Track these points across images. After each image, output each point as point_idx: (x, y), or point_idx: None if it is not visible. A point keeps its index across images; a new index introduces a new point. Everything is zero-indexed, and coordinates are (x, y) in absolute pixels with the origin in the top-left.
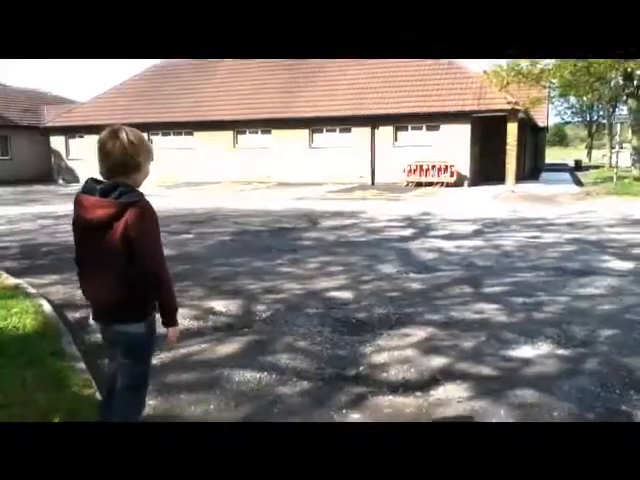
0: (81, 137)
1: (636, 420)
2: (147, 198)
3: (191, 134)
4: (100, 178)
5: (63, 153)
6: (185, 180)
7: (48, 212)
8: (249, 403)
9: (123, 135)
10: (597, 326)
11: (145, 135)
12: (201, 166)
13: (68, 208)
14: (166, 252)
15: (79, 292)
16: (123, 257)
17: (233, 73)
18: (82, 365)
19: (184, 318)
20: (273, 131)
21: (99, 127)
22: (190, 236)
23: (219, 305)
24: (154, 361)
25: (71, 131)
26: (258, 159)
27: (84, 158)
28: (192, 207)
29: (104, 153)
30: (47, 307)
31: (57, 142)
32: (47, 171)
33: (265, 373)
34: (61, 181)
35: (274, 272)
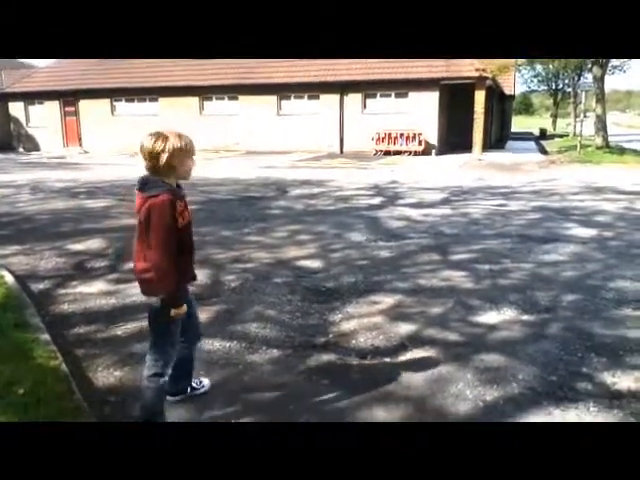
0: (41, 103)
1: (596, 381)
2: (118, 167)
3: (156, 100)
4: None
5: (23, 120)
6: None
7: (8, 182)
8: (219, 371)
9: (146, 142)
10: (560, 292)
11: (108, 101)
12: None
13: (28, 177)
14: (131, 222)
15: (42, 262)
16: (145, 240)
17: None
18: (47, 336)
19: None
20: (240, 97)
21: (60, 93)
22: None
23: None
24: (119, 332)
25: (30, 97)
26: (226, 126)
27: (45, 125)
28: None
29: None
30: (9, 278)
31: (16, 108)
32: (6, 139)
33: (235, 342)
34: (21, 149)
35: (242, 241)
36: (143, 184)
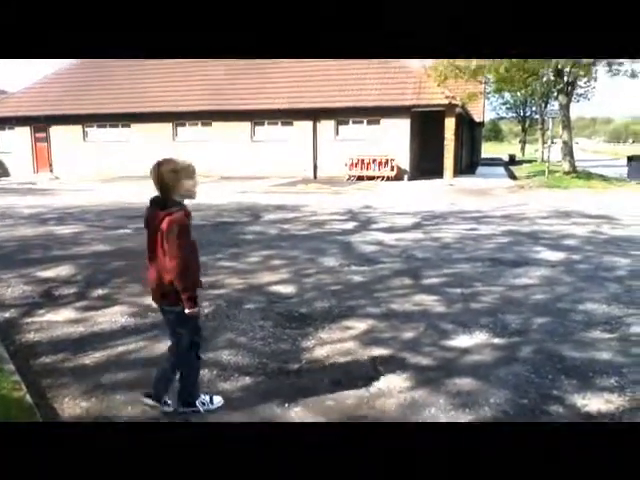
0: (11, 129)
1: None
2: (90, 193)
3: (128, 126)
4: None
5: None
6: (122, 174)
7: None
8: None
9: (154, 168)
10: (530, 315)
11: (79, 128)
12: (139, 159)
13: None
14: (101, 248)
15: (9, 291)
16: (166, 253)
17: (172, 63)
18: (11, 367)
19: (121, 315)
20: (214, 123)
21: (31, 118)
22: (128, 231)
23: None
24: (87, 361)
25: (1, 122)
26: (199, 152)
27: (15, 151)
28: (130, 201)
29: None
30: None
31: None
32: None
33: (206, 370)
34: None
35: (215, 267)
36: (159, 203)
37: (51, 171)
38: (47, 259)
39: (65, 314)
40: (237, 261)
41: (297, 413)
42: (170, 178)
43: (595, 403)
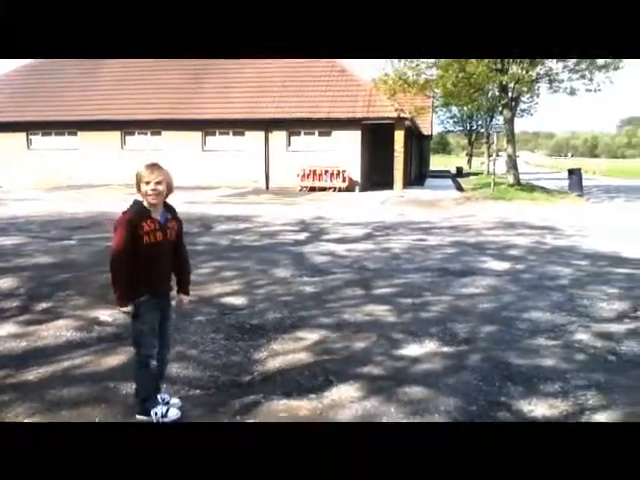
0: None
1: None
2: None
3: (75, 134)
4: None
5: None
6: (68, 183)
7: None
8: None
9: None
10: (478, 323)
11: (23, 135)
12: (86, 168)
13: None
14: (45, 260)
15: None
16: None
17: (121, 70)
18: None
19: (66, 330)
20: (163, 132)
21: None
22: (72, 242)
23: (104, 315)
24: (30, 377)
25: None
26: (148, 161)
27: None
28: (75, 211)
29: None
30: None
31: None
32: None
33: None
34: None
35: None
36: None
37: None
38: None
39: (7, 328)
40: None
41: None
42: (137, 184)
43: (540, 408)
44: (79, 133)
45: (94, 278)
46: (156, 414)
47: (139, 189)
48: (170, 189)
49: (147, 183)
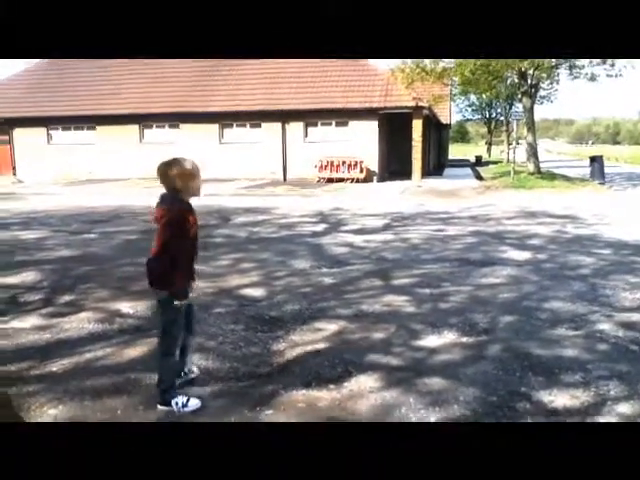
0: None
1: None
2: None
3: (94, 129)
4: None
5: None
6: (88, 177)
7: None
8: (159, 406)
9: (160, 167)
10: (498, 313)
11: (44, 130)
12: (105, 162)
13: None
14: (66, 253)
15: None
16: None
17: (138, 64)
18: None
19: (88, 322)
20: (181, 125)
21: None
22: (93, 235)
23: (126, 307)
24: (54, 368)
25: None
26: (167, 155)
27: None
28: (95, 205)
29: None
30: None
31: None
32: None
33: None
34: None
35: None
36: (160, 199)
37: (14, 174)
38: (11, 265)
39: (31, 321)
40: (206, 265)
41: (268, 416)
42: (176, 180)
43: (561, 399)
44: (97, 127)
45: (115, 271)
46: (177, 404)
47: (184, 184)
48: None
49: (196, 179)
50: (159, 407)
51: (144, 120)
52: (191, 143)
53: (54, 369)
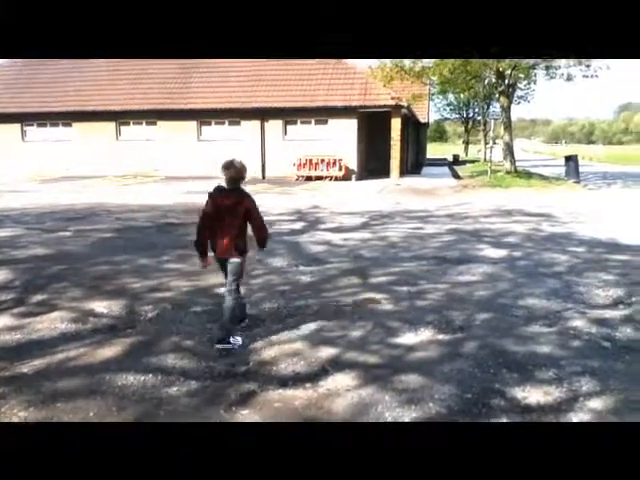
0: None
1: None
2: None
3: (69, 125)
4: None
5: None
6: (64, 175)
7: None
8: (132, 407)
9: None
10: (474, 311)
11: (18, 126)
12: (82, 160)
13: None
14: (40, 251)
15: None
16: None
17: (115, 60)
18: None
19: (61, 322)
20: (159, 122)
21: None
22: (68, 233)
23: (100, 306)
24: (25, 369)
25: None
26: (144, 152)
27: None
28: (71, 203)
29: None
30: None
31: None
32: None
33: (150, 375)
34: None
35: (160, 269)
36: (231, 190)
37: None
38: None
39: (1, 321)
40: (184, 263)
41: (244, 416)
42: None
43: (534, 395)
44: (74, 124)
45: (90, 269)
46: (235, 341)
47: (237, 181)
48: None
49: (225, 171)
50: (217, 346)
51: (121, 117)
52: (169, 141)
53: (25, 370)
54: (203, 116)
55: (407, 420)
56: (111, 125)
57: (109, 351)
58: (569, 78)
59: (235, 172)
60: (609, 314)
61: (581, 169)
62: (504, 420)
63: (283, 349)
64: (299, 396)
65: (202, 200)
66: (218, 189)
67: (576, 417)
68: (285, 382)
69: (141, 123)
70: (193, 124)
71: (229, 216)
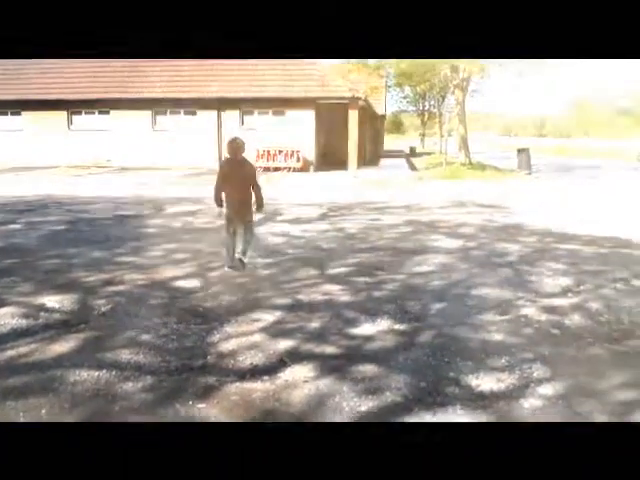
0: None
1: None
2: None
3: (18, 114)
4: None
5: None
6: (13, 165)
7: None
8: (86, 404)
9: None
10: (429, 301)
11: None
12: (31, 150)
13: None
14: None
15: None
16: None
17: None
18: None
19: (11, 317)
20: (112, 112)
21: None
22: (17, 226)
23: (51, 301)
24: None
25: None
26: (96, 142)
27: None
28: (21, 194)
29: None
30: None
31: None
32: None
33: (104, 371)
34: None
35: (114, 262)
36: (231, 161)
37: None
38: None
39: None
40: (138, 256)
41: (201, 410)
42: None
43: (488, 382)
44: (23, 113)
45: (40, 263)
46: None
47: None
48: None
49: (228, 148)
50: (226, 269)
51: (72, 106)
52: (122, 130)
53: None
54: (158, 105)
55: (406, 420)
56: (62, 114)
57: (61, 347)
58: (521, 73)
59: (236, 145)
60: (558, 302)
61: (533, 161)
62: (504, 420)
63: (241, 342)
64: (257, 388)
65: (157, 192)
66: (227, 160)
67: (527, 403)
68: (243, 375)
69: (93, 112)
70: (147, 113)
71: (236, 178)
